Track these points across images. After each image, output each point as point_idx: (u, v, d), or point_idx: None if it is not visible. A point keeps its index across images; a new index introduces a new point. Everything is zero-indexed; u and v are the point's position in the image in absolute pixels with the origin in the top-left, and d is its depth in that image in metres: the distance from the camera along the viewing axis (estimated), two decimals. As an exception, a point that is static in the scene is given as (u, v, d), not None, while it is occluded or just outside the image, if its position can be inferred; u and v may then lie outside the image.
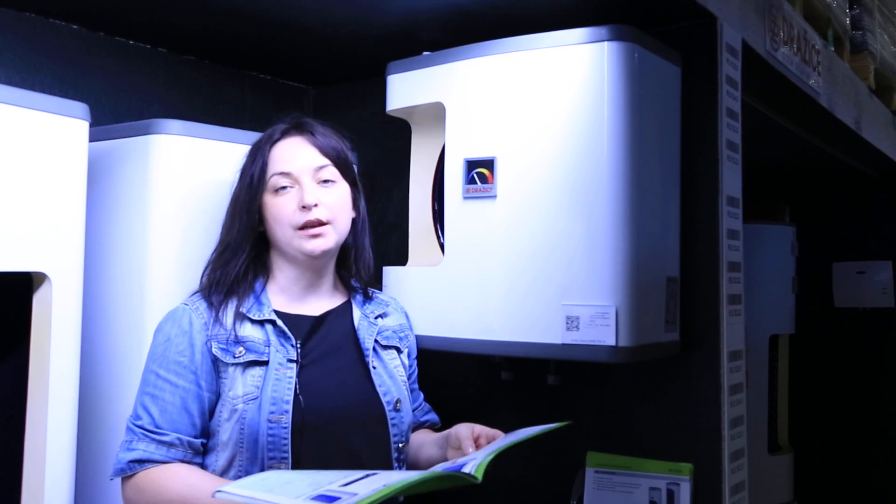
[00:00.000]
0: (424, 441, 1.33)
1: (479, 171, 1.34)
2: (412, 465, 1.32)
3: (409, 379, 1.35)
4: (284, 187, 1.23)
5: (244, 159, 1.28)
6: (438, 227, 1.52)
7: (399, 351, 1.33)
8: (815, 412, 2.79)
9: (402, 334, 1.36)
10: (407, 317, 1.41)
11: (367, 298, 1.35)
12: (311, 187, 1.23)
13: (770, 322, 2.42)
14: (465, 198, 1.35)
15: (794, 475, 2.51)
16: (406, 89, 1.46)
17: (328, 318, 1.28)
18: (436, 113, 1.44)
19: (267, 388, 1.15)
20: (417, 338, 1.40)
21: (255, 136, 1.33)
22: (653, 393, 1.43)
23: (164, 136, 1.31)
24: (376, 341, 1.29)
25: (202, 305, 1.21)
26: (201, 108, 1.70)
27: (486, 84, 1.35)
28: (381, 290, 1.47)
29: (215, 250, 1.25)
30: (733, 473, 1.36)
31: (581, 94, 1.27)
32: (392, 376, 1.28)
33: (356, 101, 1.84)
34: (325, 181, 1.25)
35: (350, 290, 1.34)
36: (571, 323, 1.25)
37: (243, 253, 1.23)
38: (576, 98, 1.27)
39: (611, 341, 1.23)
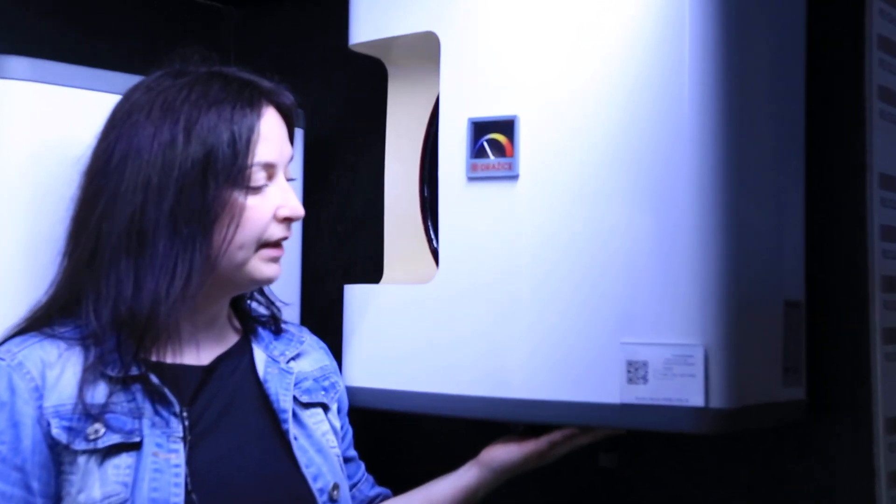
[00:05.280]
0: None
1: (493, 139, 1.29)
2: None
3: (342, 443, 1.33)
4: (260, 187, 1.18)
5: (193, 119, 1.16)
6: (430, 223, 1.47)
7: (326, 409, 1.29)
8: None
9: (325, 382, 1.32)
10: (328, 353, 1.37)
11: (276, 333, 1.32)
12: (290, 189, 1.22)
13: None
14: (471, 178, 1.30)
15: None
16: (380, 13, 1.41)
17: (220, 367, 1.22)
18: (425, 49, 1.37)
19: (142, 485, 1.09)
20: (398, 394, 1.36)
21: (134, 81, 1.25)
22: (764, 481, 1.38)
23: (6, 81, 1.29)
24: (295, 399, 1.25)
25: (32, 355, 1.12)
26: (74, 40, 1.65)
27: (501, 5, 1.30)
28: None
29: (107, 254, 1.13)
30: None
31: (648, 16, 1.21)
32: (321, 449, 1.24)
33: (301, 30, 1.80)
34: (290, 179, 1.24)
35: (246, 322, 1.29)
36: (635, 372, 1.20)
37: (185, 268, 1.13)
38: (639, 24, 1.22)
39: (698, 401, 1.17)
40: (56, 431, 1.09)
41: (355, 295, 1.43)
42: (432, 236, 1.46)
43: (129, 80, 1.28)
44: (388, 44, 1.43)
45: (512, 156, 1.28)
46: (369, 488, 1.37)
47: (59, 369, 1.12)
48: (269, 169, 1.19)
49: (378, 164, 1.50)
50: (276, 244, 1.21)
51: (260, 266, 1.20)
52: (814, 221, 1.35)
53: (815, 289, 1.35)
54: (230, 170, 1.16)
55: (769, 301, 1.27)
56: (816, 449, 1.34)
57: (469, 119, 1.31)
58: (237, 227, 1.17)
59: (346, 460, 1.33)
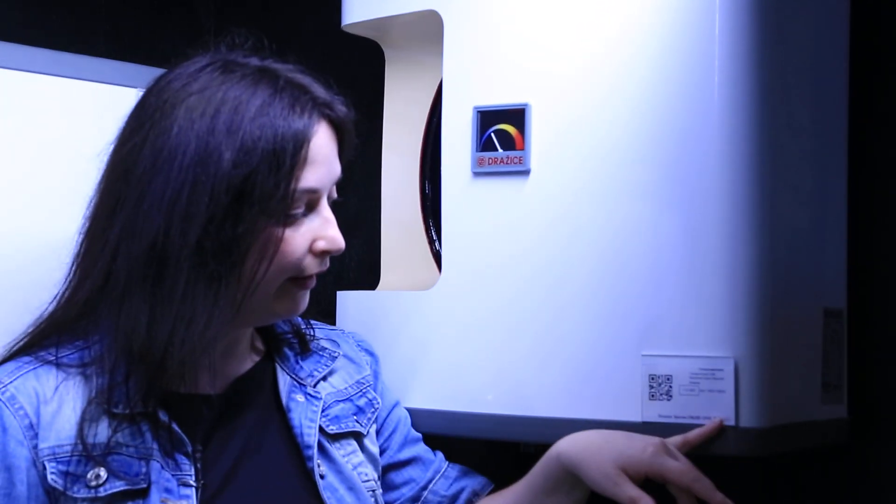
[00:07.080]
0: None
1: (501, 130, 1.29)
2: None
3: (397, 449, 1.30)
4: (299, 215, 1.15)
5: (234, 129, 1.11)
6: (431, 223, 1.47)
7: (360, 437, 1.26)
8: None
9: (361, 401, 1.28)
10: (367, 352, 1.33)
11: (303, 352, 1.27)
12: (332, 218, 1.18)
13: None
14: (477, 174, 1.30)
15: None
16: (377, -10, 1.38)
17: (239, 394, 1.19)
18: (427, 29, 1.36)
19: None
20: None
21: (102, 66, 1.31)
22: (802, 508, 1.34)
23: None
24: (321, 430, 1.21)
25: (26, 387, 1.09)
26: (22, 21, 1.63)
27: (512, -19, 1.27)
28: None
29: (123, 278, 1.10)
30: None
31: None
32: (353, 487, 1.21)
33: (288, 7, 1.80)
34: (334, 199, 1.20)
35: (269, 340, 1.26)
36: (658, 387, 1.21)
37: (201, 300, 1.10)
38: (664, 3, 1.21)
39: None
40: (52, 477, 1.07)
41: (349, 303, 1.42)
42: (434, 238, 1.46)
43: (93, 66, 1.29)
44: (386, 24, 1.42)
45: (522, 149, 1.28)
46: (449, 483, 1.32)
47: (55, 404, 1.09)
48: (313, 195, 1.15)
49: (374, 158, 1.48)
50: (308, 278, 1.17)
51: (283, 302, 1.17)
52: (857, 222, 1.34)
53: (859, 296, 1.34)
54: (269, 199, 1.12)
55: (807, 309, 1.26)
56: (861, 475, 1.34)
57: (475, 107, 1.30)
58: (269, 262, 1.13)
59: (402, 465, 1.31)
